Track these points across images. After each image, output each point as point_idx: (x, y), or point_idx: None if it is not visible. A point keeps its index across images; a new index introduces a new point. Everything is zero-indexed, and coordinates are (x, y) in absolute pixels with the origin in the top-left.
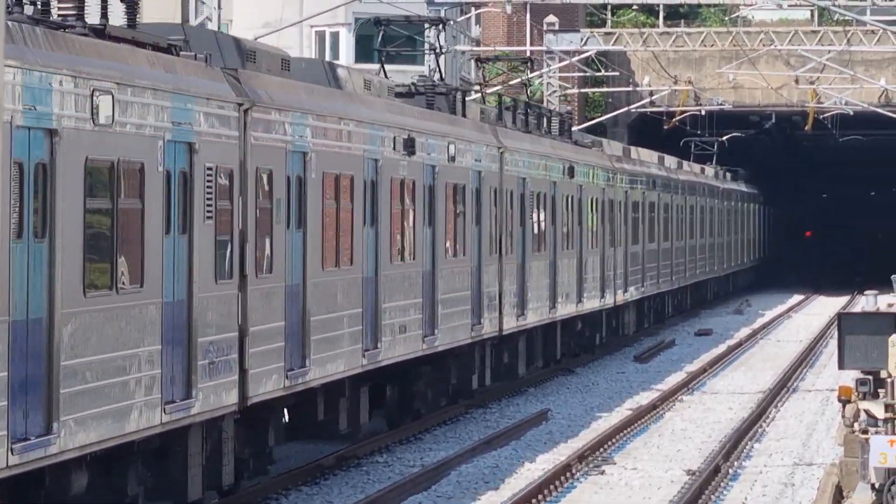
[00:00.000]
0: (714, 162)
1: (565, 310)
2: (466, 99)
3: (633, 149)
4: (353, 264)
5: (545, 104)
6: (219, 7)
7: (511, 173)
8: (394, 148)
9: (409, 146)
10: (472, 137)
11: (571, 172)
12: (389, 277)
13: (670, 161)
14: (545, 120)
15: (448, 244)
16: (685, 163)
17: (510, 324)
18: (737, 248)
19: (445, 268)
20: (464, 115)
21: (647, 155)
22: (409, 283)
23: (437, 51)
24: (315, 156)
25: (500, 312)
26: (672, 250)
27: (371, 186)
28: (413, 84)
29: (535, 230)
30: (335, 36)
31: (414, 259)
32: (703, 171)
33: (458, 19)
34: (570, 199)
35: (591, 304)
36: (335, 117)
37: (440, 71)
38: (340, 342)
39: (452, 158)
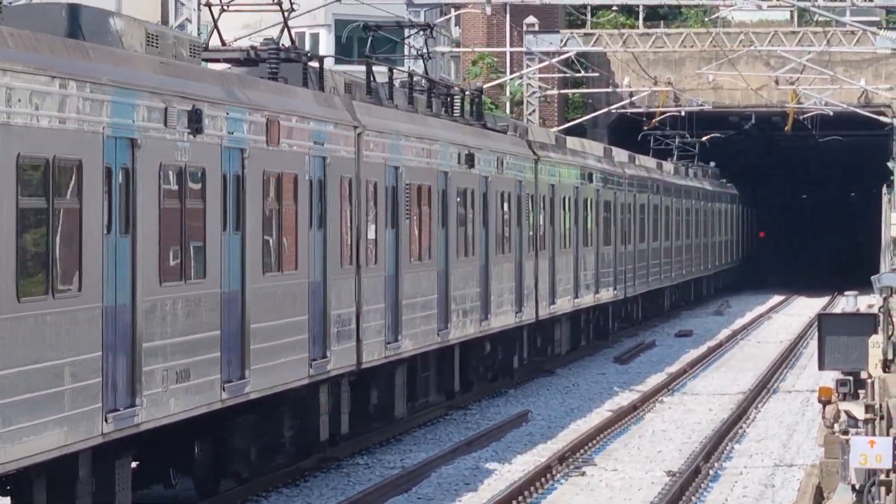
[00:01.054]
0: (696, 162)
1: (462, 332)
2: (333, 70)
3: (575, 140)
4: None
5: (525, 105)
6: (198, 8)
7: (374, 160)
8: (164, 123)
9: (195, 121)
10: (307, 111)
11: (470, 161)
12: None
13: (619, 154)
14: (450, 100)
15: (272, 255)
16: (639, 157)
17: (370, 356)
18: (703, 252)
19: (256, 286)
20: (321, 88)
21: (592, 147)
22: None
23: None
24: None
25: (358, 340)
26: (616, 256)
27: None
28: (253, 48)
29: (414, 233)
30: (315, 37)
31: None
32: (660, 166)
33: (438, 20)
34: (469, 195)
35: (502, 320)
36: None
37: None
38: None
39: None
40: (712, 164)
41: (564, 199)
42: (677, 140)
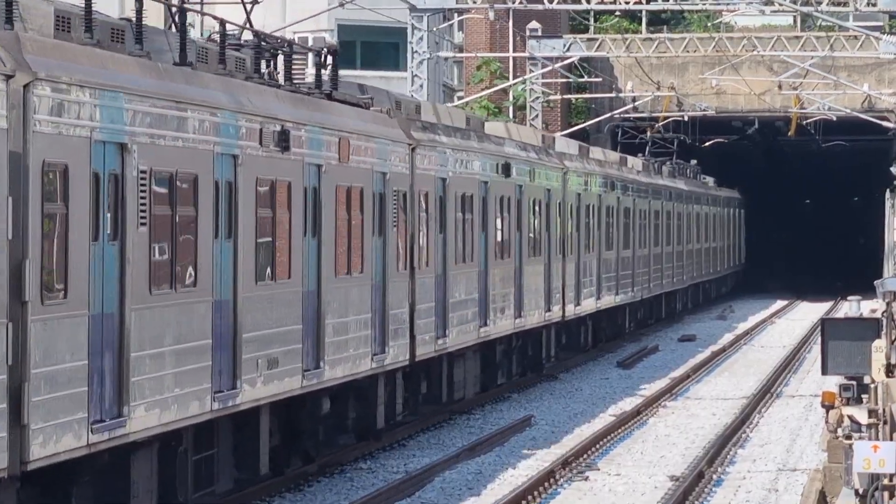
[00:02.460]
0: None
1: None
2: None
3: (596, 150)
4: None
5: (528, 110)
6: (201, 13)
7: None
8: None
9: (283, 140)
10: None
11: (284, 140)
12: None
13: (568, 146)
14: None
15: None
16: (595, 149)
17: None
18: (681, 262)
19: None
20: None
21: (521, 133)
22: None
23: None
24: None
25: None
26: (548, 271)
27: None
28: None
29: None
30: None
31: None
32: (624, 161)
33: (441, 26)
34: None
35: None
36: None
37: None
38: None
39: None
40: (703, 170)
41: (470, 199)
42: (675, 144)
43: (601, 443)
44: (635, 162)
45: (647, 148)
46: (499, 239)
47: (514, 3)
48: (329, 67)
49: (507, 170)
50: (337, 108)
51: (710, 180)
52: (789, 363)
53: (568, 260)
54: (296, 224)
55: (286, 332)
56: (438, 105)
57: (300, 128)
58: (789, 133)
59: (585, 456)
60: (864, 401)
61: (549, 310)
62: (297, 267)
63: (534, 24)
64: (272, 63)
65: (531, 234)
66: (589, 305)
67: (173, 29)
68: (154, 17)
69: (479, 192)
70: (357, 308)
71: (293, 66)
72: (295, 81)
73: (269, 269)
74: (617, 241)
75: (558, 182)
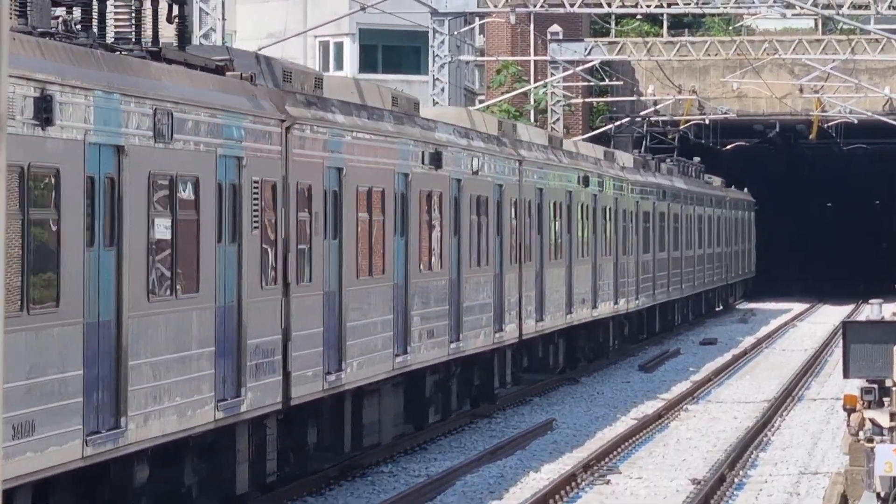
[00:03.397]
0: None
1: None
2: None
3: (623, 154)
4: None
5: (549, 114)
6: (223, 18)
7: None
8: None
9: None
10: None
11: (44, 110)
12: None
13: (532, 135)
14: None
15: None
16: (572, 141)
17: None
18: (678, 270)
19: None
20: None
21: (486, 122)
22: None
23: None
24: None
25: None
26: (500, 283)
27: None
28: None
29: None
30: (339, 46)
31: None
32: (611, 155)
33: (462, 29)
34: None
35: (554, 321)
36: None
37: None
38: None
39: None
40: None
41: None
42: (676, 139)
43: (623, 446)
44: (625, 157)
45: (675, 151)
46: (428, 245)
47: (535, 6)
48: (176, 21)
49: (436, 159)
50: (158, 70)
51: (716, 180)
52: (811, 366)
53: (527, 268)
54: (72, 231)
55: None
56: (366, 83)
57: (78, 93)
58: (810, 136)
59: (607, 459)
60: (886, 404)
61: (500, 329)
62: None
63: (555, 28)
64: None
65: (476, 239)
66: (555, 321)
67: None
68: None
69: (394, 185)
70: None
71: (118, 17)
72: (118, 37)
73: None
74: (595, 245)
75: (514, 175)
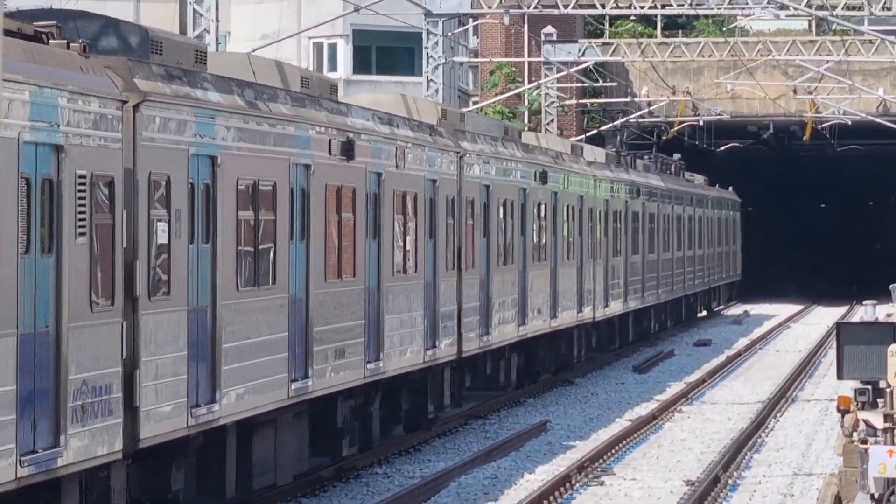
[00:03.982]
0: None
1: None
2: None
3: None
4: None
5: (543, 115)
6: (216, 19)
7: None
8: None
9: (348, 150)
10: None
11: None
12: None
13: (477, 123)
14: None
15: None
16: (532, 134)
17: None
18: (653, 275)
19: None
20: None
21: (419, 106)
22: None
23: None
24: None
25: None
26: (434, 292)
27: None
28: None
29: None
30: (333, 47)
31: None
32: (577, 149)
33: (456, 30)
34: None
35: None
36: None
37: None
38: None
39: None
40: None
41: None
42: (655, 135)
43: (617, 447)
44: (595, 152)
45: (655, 147)
46: (338, 248)
47: (529, 7)
48: None
49: (348, 149)
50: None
51: (699, 178)
52: (805, 367)
53: (469, 275)
54: None
55: None
56: (256, 57)
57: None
58: (804, 137)
59: (601, 461)
60: (880, 405)
61: (434, 346)
62: None
63: (549, 29)
64: None
65: (402, 242)
66: (504, 335)
67: None
68: None
69: (291, 178)
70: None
71: None
72: None
73: None
74: (556, 248)
75: (452, 169)
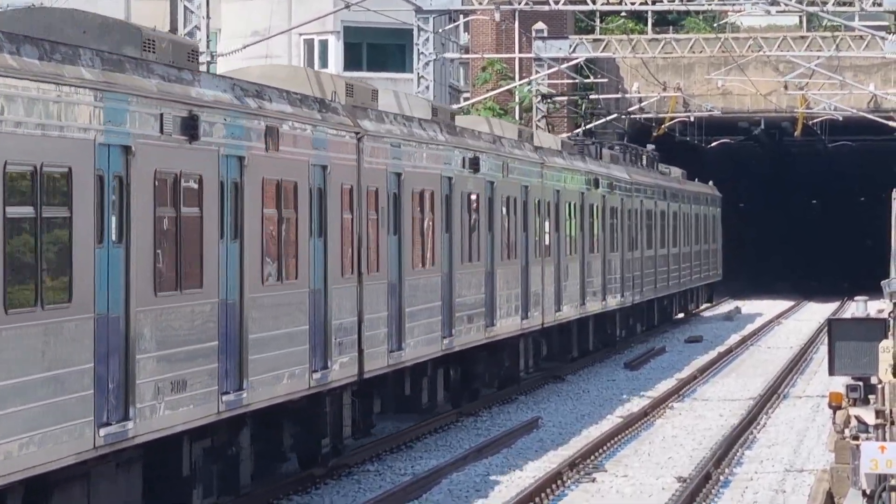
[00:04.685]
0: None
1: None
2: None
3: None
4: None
5: (534, 111)
6: (207, 16)
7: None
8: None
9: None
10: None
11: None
12: None
13: (406, 104)
14: None
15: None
16: (471, 118)
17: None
18: (613, 276)
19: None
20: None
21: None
22: None
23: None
24: None
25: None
26: (324, 299)
27: None
28: None
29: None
30: (324, 44)
31: None
32: (526, 136)
33: (447, 27)
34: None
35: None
36: None
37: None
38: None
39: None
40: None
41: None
42: (626, 123)
43: (608, 444)
44: (548, 138)
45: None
46: (175, 253)
47: (519, 4)
48: None
49: (190, 126)
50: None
51: (675, 171)
52: (796, 364)
53: (372, 280)
54: None
55: None
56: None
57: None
58: (795, 133)
59: (593, 457)
60: (872, 401)
61: (324, 367)
62: None
63: (539, 25)
64: None
65: (275, 243)
66: (418, 350)
67: None
68: None
69: (93, 164)
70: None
71: None
72: None
73: None
74: (492, 246)
75: (349, 155)
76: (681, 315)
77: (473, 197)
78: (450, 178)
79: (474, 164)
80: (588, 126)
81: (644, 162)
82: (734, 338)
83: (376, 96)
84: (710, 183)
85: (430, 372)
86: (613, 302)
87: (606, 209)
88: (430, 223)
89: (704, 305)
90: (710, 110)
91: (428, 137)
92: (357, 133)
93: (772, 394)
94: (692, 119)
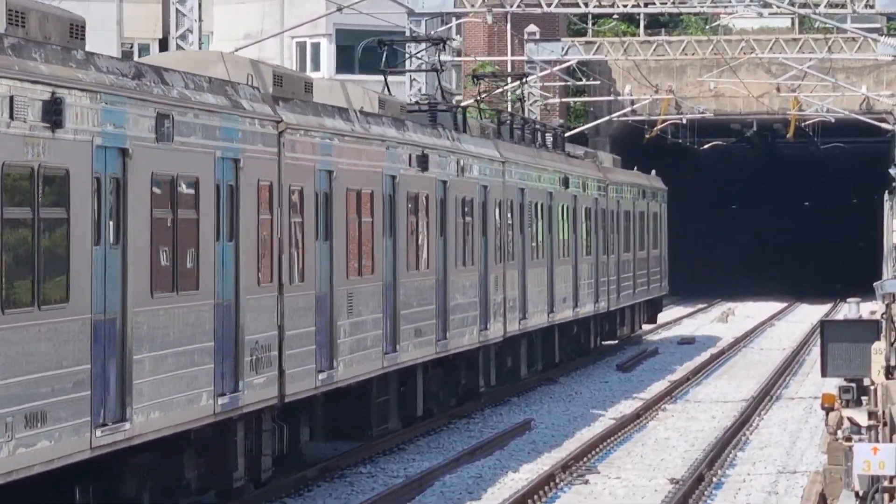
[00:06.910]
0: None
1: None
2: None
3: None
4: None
5: (526, 114)
6: (199, 19)
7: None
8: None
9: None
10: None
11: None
12: None
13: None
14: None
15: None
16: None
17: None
18: (496, 296)
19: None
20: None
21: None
22: None
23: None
24: None
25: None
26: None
27: None
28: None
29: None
30: (316, 47)
31: None
32: (380, 103)
33: (439, 29)
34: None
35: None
36: None
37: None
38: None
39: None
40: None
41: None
42: (525, 98)
43: (601, 446)
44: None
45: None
46: (21, 263)
47: (512, 6)
48: None
49: (53, 112)
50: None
51: (607, 157)
52: (789, 365)
53: (296, 290)
54: None
55: None
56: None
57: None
58: (788, 135)
59: (585, 459)
60: (864, 403)
61: (234, 391)
62: None
63: (532, 28)
64: None
65: (171, 249)
66: (359, 366)
67: None
68: None
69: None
70: None
71: None
72: None
73: None
74: (444, 252)
75: (268, 146)
76: (599, 343)
77: (423, 198)
78: (393, 177)
79: (422, 162)
80: (580, 128)
81: (541, 139)
82: (727, 339)
83: (311, 88)
84: (654, 173)
85: (373, 391)
86: (490, 335)
87: (504, 204)
88: (370, 226)
89: (646, 328)
90: (702, 112)
91: (368, 132)
92: (277, 123)
93: (764, 395)
94: (684, 121)
